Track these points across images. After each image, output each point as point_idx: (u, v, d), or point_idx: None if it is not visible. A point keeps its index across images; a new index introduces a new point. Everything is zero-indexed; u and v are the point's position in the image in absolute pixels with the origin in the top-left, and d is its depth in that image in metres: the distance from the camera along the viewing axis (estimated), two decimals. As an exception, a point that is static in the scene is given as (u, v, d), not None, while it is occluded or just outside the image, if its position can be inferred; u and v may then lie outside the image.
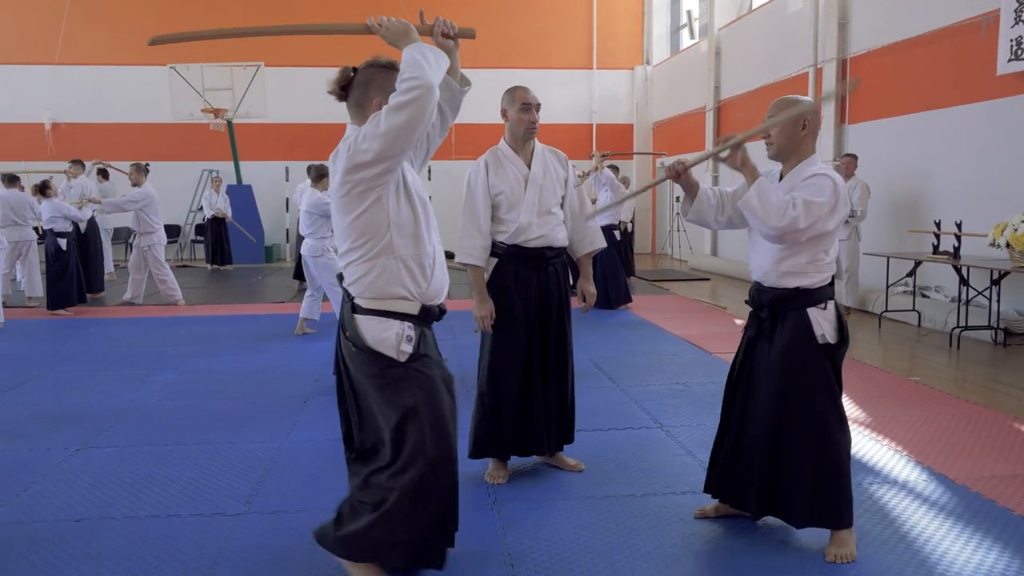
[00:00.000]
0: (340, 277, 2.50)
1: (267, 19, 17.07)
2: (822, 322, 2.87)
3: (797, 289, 2.86)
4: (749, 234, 3.06)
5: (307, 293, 7.60)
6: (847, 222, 8.44)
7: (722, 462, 3.10)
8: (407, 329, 2.41)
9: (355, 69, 2.48)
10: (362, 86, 2.45)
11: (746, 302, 3.11)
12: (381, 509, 2.40)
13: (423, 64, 2.25)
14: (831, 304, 2.91)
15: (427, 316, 2.47)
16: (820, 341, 2.85)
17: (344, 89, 2.48)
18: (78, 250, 9.71)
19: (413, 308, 2.43)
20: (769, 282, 2.93)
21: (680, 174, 2.93)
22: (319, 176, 7.07)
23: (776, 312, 2.92)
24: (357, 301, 2.42)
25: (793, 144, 2.88)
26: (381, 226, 2.36)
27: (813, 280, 2.86)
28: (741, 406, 3.03)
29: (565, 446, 3.84)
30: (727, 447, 3.07)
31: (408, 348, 2.40)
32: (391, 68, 2.43)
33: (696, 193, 3.03)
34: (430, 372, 2.44)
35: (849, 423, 2.99)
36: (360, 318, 2.41)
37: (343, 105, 2.54)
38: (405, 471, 2.37)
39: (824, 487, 2.83)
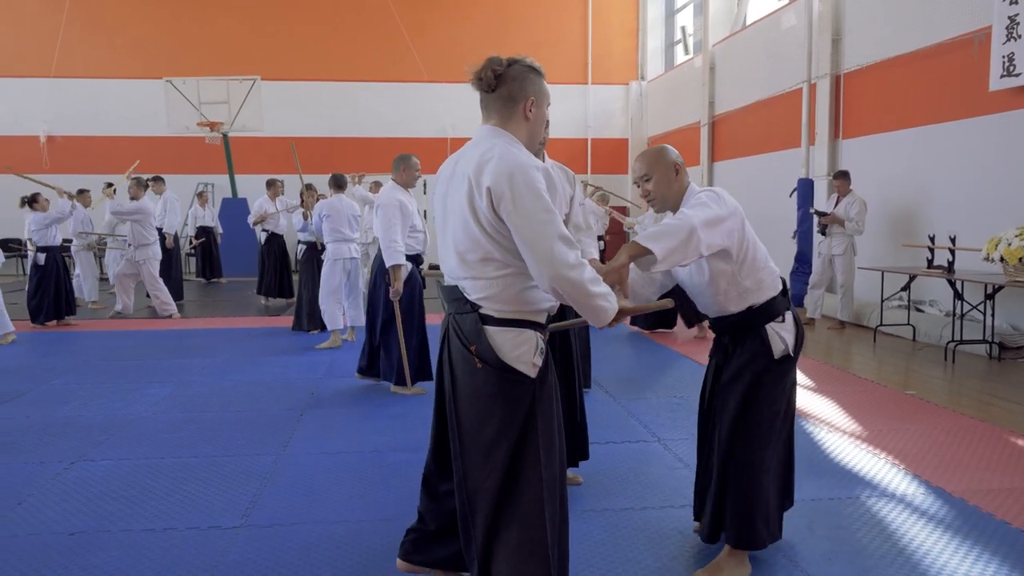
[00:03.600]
0: (455, 289, 2.30)
1: (264, 29, 17.21)
2: (784, 334, 2.78)
3: (750, 308, 2.78)
4: (683, 284, 2.97)
5: (351, 299, 7.84)
6: (844, 233, 8.52)
7: (697, 489, 3.05)
8: (540, 340, 2.26)
9: (505, 62, 2.32)
10: (517, 80, 2.29)
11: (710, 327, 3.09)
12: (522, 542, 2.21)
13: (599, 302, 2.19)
14: (789, 315, 2.82)
15: (546, 326, 2.35)
16: (778, 356, 2.76)
17: (497, 79, 2.29)
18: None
19: (543, 317, 2.30)
20: (722, 313, 2.85)
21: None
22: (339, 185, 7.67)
23: (736, 337, 2.85)
24: (487, 312, 2.21)
25: (672, 191, 2.80)
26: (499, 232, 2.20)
27: (763, 295, 2.78)
28: (711, 432, 2.97)
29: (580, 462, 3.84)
30: (700, 475, 3.03)
31: (539, 361, 2.23)
32: (542, 75, 2.36)
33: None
34: (552, 389, 2.30)
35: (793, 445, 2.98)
36: (493, 330, 2.20)
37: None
38: (519, 500, 2.21)
39: (736, 502, 2.77)
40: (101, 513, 3.48)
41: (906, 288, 8.12)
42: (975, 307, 7.13)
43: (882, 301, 8.27)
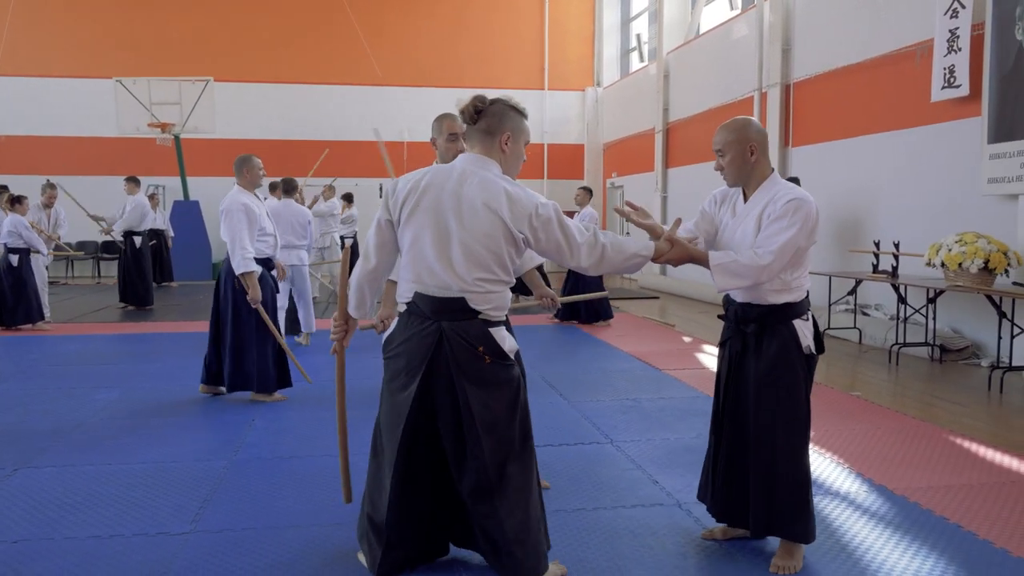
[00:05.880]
0: (459, 301, 2.56)
1: (214, 28, 16.98)
2: (806, 332, 2.90)
3: (786, 303, 2.89)
4: None
5: (301, 304, 7.75)
6: None
7: (719, 483, 3.04)
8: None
9: (488, 100, 2.62)
10: (496, 116, 2.60)
11: (720, 316, 3.09)
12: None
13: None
14: (810, 315, 2.96)
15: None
16: (805, 352, 2.89)
17: (477, 113, 2.59)
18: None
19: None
20: (756, 301, 2.92)
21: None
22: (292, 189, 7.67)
23: (763, 326, 2.91)
24: (487, 317, 2.60)
25: (746, 171, 2.90)
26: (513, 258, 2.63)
27: (798, 294, 2.90)
28: (732, 423, 2.99)
29: None
30: (722, 466, 3.02)
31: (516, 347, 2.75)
32: (522, 114, 2.67)
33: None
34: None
35: None
36: (494, 331, 2.61)
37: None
38: (528, 471, 2.72)
39: (792, 498, 2.85)
40: (45, 520, 3.40)
41: (852, 292, 8.33)
42: (918, 311, 7.34)
43: (829, 305, 8.46)
